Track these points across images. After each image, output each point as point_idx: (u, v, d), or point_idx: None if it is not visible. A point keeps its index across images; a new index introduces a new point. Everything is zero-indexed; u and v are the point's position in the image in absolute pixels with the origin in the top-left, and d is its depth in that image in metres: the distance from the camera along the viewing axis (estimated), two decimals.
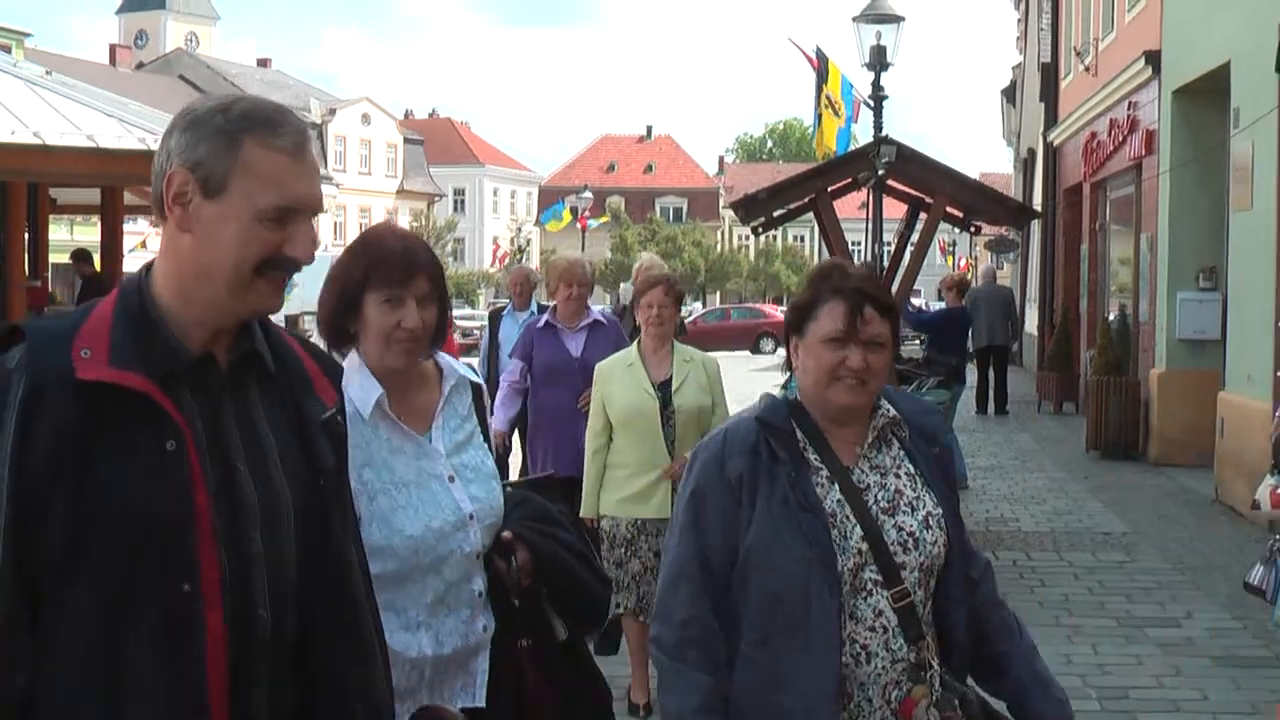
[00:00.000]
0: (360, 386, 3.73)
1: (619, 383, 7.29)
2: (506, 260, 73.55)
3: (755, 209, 11.27)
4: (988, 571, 3.63)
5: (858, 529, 3.28)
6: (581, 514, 7.19)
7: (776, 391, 3.52)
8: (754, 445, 3.35)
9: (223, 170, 2.51)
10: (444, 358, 4.00)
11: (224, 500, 2.52)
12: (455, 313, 61.11)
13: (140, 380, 2.45)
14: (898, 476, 3.42)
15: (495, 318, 12.56)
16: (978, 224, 12.47)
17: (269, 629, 2.57)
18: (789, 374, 3.55)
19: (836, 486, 3.33)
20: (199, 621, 2.47)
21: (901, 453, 3.45)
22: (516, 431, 11.46)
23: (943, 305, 19.22)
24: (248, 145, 2.51)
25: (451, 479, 3.79)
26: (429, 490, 3.76)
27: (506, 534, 3.84)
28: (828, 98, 22.95)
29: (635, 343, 7.54)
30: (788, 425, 3.40)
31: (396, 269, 3.74)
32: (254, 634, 2.55)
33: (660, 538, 6.74)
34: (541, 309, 11.41)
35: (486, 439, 3.98)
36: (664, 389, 7.28)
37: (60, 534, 2.40)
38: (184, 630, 2.46)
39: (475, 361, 12.79)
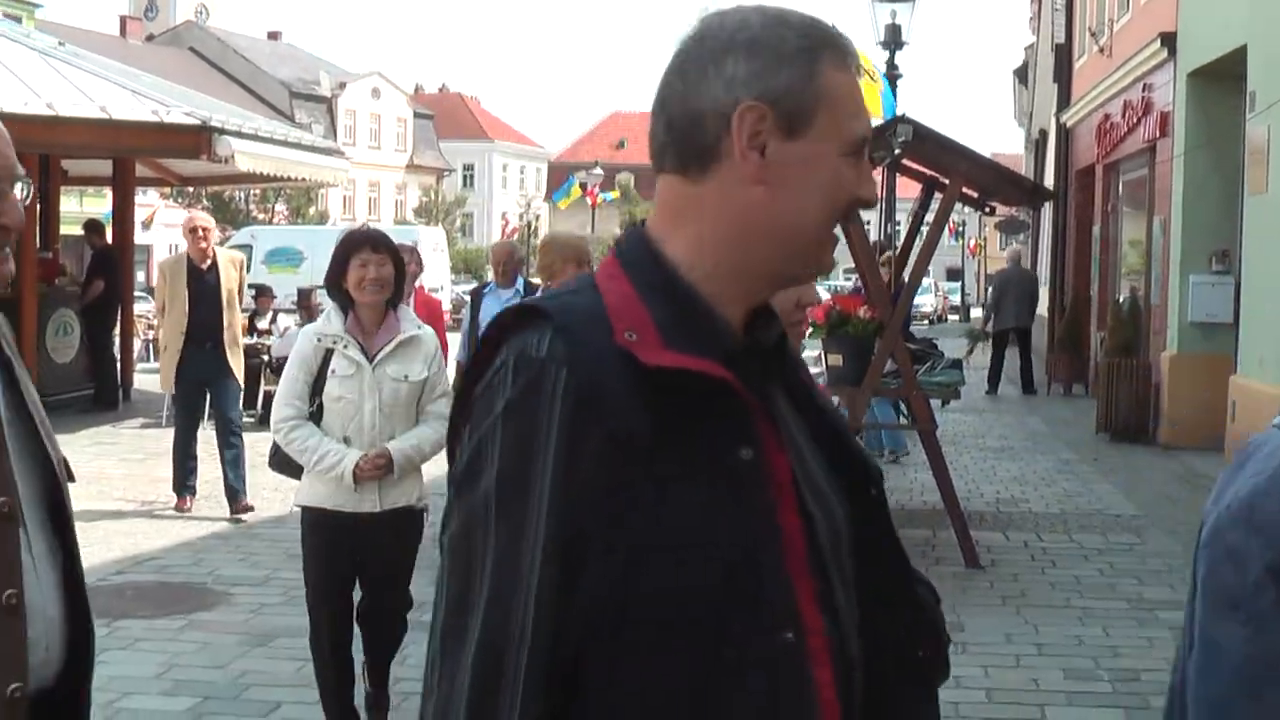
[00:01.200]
0: None
1: None
2: (515, 236, 73.51)
3: None
4: None
5: None
6: None
7: None
8: None
9: (809, 101, 1.96)
10: None
11: (806, 520, 1.96)
12: (461, 289, 61.20)
13: (717, 367, 1.88)
14: None
15: (477, 296, 11.81)
16: (992, 204, 12.41)
17: (862, 681, 2.01)
18: None
19: None
20: (809, 683, 1.90)
21: None
22: None
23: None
24: (826, 68, 1.98)
25: None
26: None
27: None
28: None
29: None
30: None
31: None
32: (853, 689, 1.98)
33: None
34: (529, 288, 11.31)
35: None
36: None
37: (616, 572, 1.82)
38: (793, 696, 1.88)
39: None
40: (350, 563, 6.37)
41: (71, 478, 2.79)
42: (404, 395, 6.31)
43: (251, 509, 11.96)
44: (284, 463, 6.40)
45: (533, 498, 1.80)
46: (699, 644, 1.83)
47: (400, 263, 6.39)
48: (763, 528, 1.88)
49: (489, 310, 11.22)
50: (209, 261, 12.31)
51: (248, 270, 15.34)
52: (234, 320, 12.40)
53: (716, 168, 1.94)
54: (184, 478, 12.36)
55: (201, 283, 12.17)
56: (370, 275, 6.16)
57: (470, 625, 1.80)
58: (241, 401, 13.10)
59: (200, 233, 12.39)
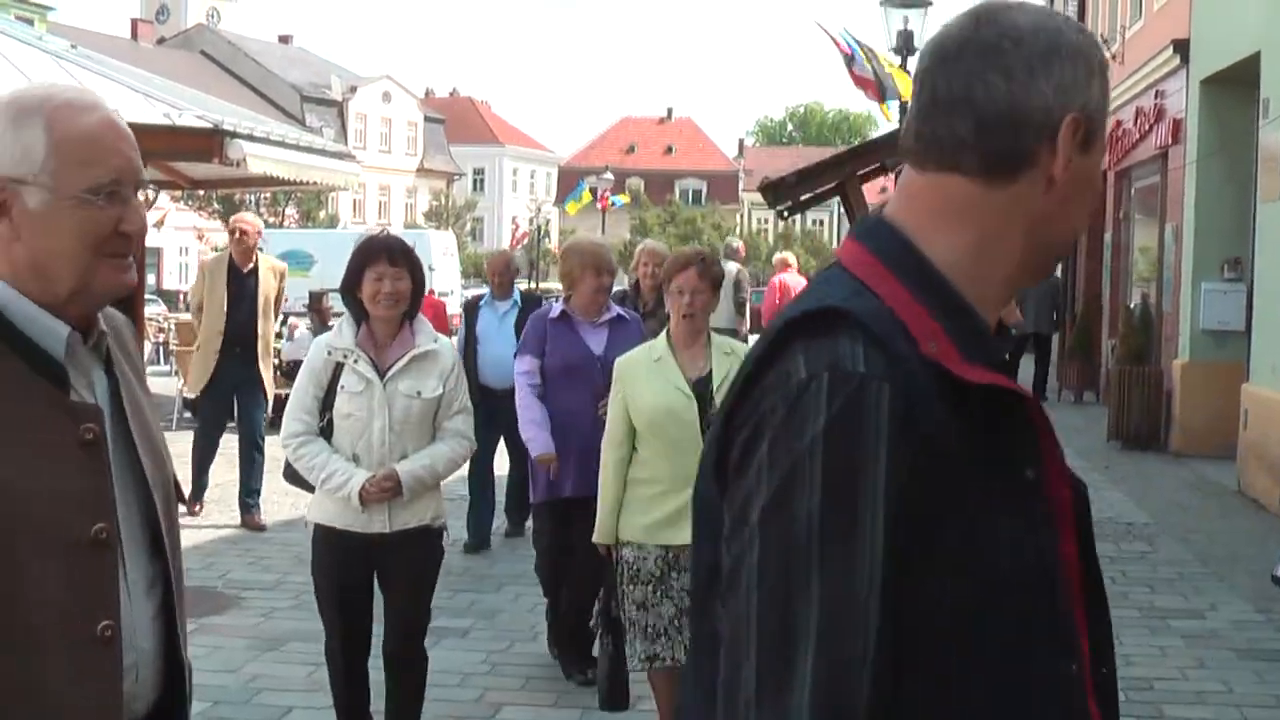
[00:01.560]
0: None
1: (645, 380, 6.05)
2: (525, 240, 73.53)
3: (784, 192, 11.21)
4: None
5: None
6: (596, 539, 6.21)
7: None
8: None
9: (1102, 116, 1.91)
10: None
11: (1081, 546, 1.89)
12: (471, 293, 61.16)
13: (1013, 383, 1.81)
14: None
15: (472, 309, 11.18)
16: None
17: None
18: None
19: None
20: (1087, 717, 1.86)
21: None
22: (504, 441, 10.77)
23: None
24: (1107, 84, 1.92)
25: None
26: None
27: None
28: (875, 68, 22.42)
29: (664, 332, 6.23)
30: None
31: None
32: None
33: None
34: (527, 300, 11.03)
35: None
36: (701, 386, 5.99)
37: (931, 597, 1.72)
38: None
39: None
40: (363, 579, 6.13)
41: (181, 499, 2.69)
42: (416, 413, 5.98)
43: (263, 528, 11.71)
44: (297, 475, 6.20)
45: (862, 526, 1.67)
46: (1003, 670, 1.75)
47: (420, 275, 6.08)
48: (1053, 552, 1.82)
49: (486, 323, 10.92)
50: (251, 265, 12.12)
51: None
52: (267, 330, 12.25)
53: (1023, 175, 1.85)
54: (200, 484, 12.31)
55: (241, 286, 12.00)
56: (385, 290, 5.88)
57: (797, 664, 1.65)
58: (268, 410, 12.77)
59: (241, 235, 12.20)
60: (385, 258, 5.94)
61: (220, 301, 11.91)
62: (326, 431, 6.02)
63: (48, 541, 2.36)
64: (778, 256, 21.56)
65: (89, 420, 2.44)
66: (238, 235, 12.17)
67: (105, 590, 2.43)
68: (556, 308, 8.05)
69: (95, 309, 2.53)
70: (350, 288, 6.01)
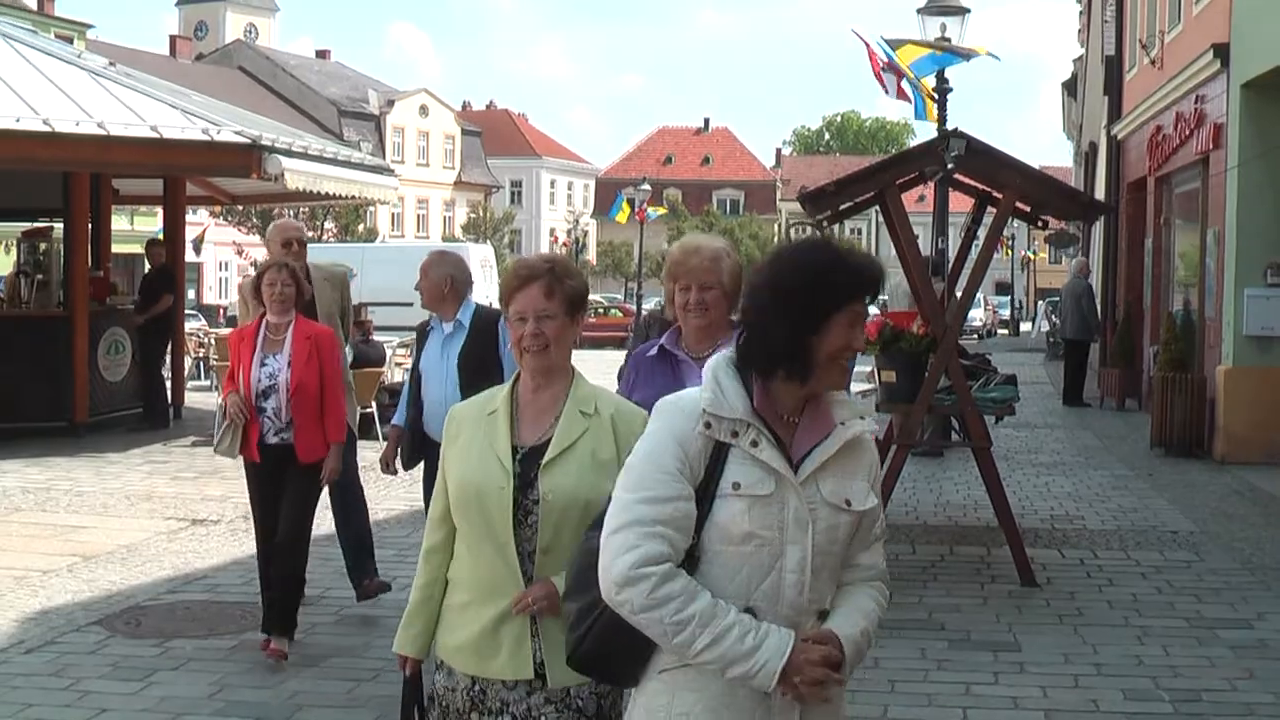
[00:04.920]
0: None
1: (468, 440, 4.23)
2: (565, 251, 73.55)
3: (823, 202, 11.15)
4: None
5: None
6: (395, 648, 4.37)
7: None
8: None
9: None
10: None
11: None
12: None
13: None
14: None
15: (421, 334, 8.52)
16: (1045, 219, 12.31)
17: None
18: None
19: None
20: None
21: None
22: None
23: None
24: None
25: None
26: None
27: None
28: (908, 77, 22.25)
29: (513, 377, 4.32)
30: None
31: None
32: None
33: (519, 706, 4.06)
34: (480, 317, 8.27)
35: None
36: (529, 459, 4.13)
37: None
38: None
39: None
40: None
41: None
42: (842, 538, 3.44)
43: (388, 588, 9.31)
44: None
45: None
46: None
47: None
48: None
49: (433, 355, 8.29)
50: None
51: None
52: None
53: None
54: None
55: None
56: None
57: None
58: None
59: (299, 246, 9.43)
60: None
61: None
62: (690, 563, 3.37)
63: None
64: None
65: None
66: (294, 247, 9.30)
67: None
68: (654, 343, 5.75)
69: None
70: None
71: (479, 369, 7.69)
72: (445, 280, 8.23)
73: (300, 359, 8.16)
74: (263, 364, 8.18)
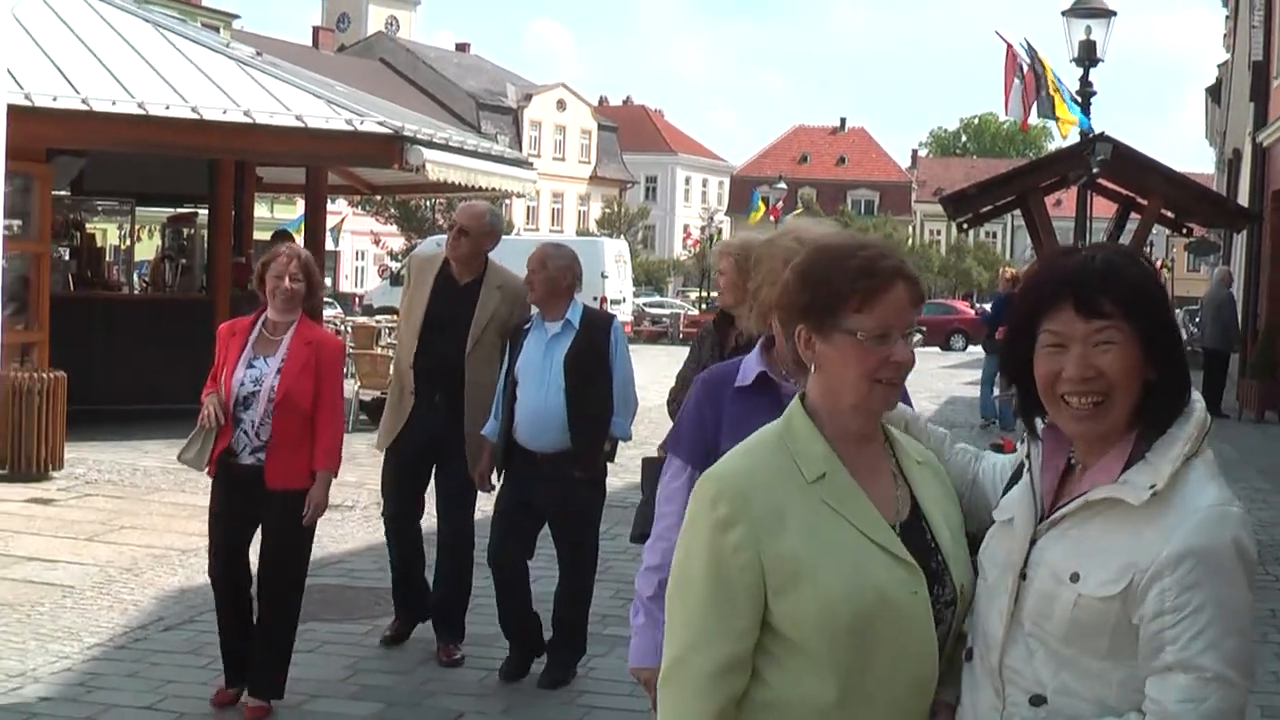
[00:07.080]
0: None
1: (818, 533, 2.82)
2: (697, 247, 73.55)
3: (964, 205, 11.08)
4: None
5: None
6: None
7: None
8: None
9: None
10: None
11: None
12: (642, 300, 61.22)
13: None
14: None
15: (516, 335, 7.71)
16: (1189, 226, 12.13)
17: None
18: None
19: None
20: None
21: None
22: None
23: None
24: None
25: None
26: None
27: None
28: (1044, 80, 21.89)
29: (795, 405, 2.99)
30: None
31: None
32: None
33: None
34: (590, 317, 7.65)
35: None
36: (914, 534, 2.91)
37: None
38: None
39: None
40: None
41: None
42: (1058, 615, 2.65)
43: (460, 661, 8.06)
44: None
45: None
46: None
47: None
48: None
49: (531, 354, 7.52)
50: (472, 277, 8.11)
51: None
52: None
53: None
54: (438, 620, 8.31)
55: (450, 302, 8.10)
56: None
57: None
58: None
59: (459, 234, 8.11)
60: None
61: (417, 322, 8.18)
62: None
63: None
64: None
65: None
66: (456, 232, 8.09)
67: None
68: (753, 369, 4.03)
69: None
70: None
71: (587, 374, 7.35)
72: (566, 272, 7.48)
73: (294, 367, 6.93)
74: (250, 365, 6.98)
